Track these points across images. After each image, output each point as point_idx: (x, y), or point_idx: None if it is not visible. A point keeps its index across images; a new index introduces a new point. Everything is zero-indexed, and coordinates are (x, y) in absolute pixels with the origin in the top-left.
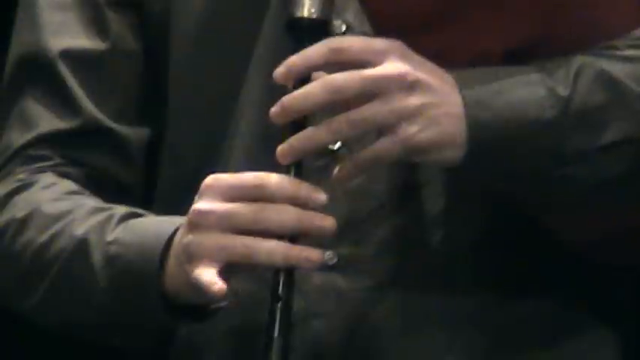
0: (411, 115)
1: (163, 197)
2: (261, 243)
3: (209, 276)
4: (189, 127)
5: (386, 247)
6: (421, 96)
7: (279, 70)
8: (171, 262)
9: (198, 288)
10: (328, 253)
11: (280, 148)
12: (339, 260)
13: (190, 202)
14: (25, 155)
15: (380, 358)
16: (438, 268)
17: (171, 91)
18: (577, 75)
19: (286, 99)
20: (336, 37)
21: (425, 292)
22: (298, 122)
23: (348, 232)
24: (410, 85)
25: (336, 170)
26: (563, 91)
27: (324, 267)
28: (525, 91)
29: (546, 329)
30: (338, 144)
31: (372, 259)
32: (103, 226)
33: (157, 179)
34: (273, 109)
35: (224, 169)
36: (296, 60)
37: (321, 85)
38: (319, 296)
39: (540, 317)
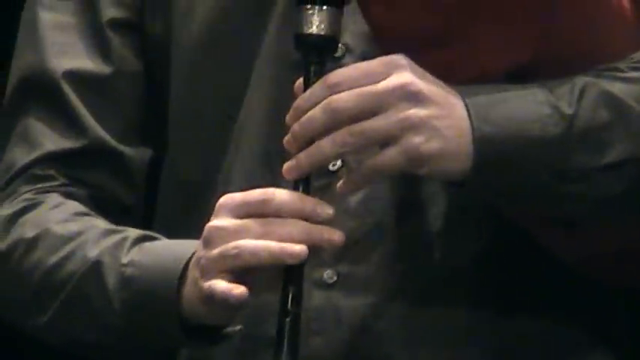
0: (414, 126)
1: (163, 219)
2: (270, 243)
3: (224, 284)
4: (190, 149)
5: (385, 266)
6: (424, 107)
7: (290, 115)
8: (188, 284)
9: (214, 299)
10: (328, 272)
11: (287, 165)
12: (338, 278)
13: (190, 223)
14: (29, 174)
15: None
16: (438, 285)
17: (171, 113)
18: (581, 94)
19: (294, 129)
20: (336, 64)
21: (424, 309)
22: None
23: (347, 250)
24: (412, 96)
25: (339, 183)
26: (567, 109)
27: (324, 285)
28: (530, 107)
29: (547, 348)
30: (338, 164)
31: (372, 278)
32: (117, 248)
33: (156, 201)
34: (287, 139)
35: (225, 191)
36: (301, 103)
37: (321, 109)
38: (319, 315)
39: (541, 335)
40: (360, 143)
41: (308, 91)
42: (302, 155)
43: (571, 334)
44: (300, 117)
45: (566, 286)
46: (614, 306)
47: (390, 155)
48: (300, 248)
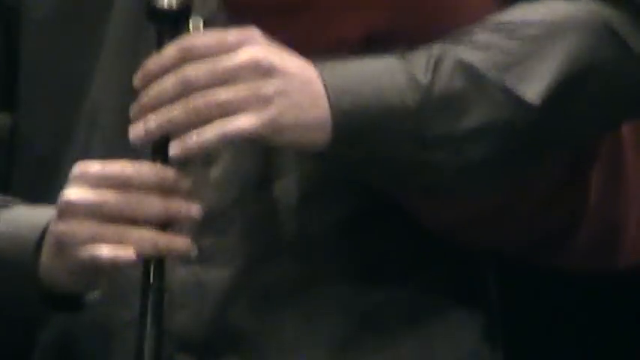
0: (267, 98)
1: (19, 184)
2: (130, 232)
3: (109, 248)
4: (42, 114)
5: (247, 237)
6: (279, 81)
7: (137, 77)
8: (46, 252)
9: (98, 265)
10: (192, 245)
11: (134, 128)
12: (200, 252)
13: (45, 189)
14: None
15: (245, 346)
16: (297, 256)
17: (24, 79)
18: (437, 63)
19: (143, 100)
20: (191, 34)
21: (287, 278)
22: None
23: (208, 223)
24: (265, 70)
25: (177, 142)
26: (423, 78)
27: (187, 259)
28: (387, 78)
29: (412, 312)
30: None
31: (234, 250)
32: None
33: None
34: (133, 109)
35: (83, 158)
36: (151, 66)
37: (172, 80)
38: (183, 288)
39: (407, 300)
40: (212, 112)
41: (160, 53)
42: (151, 118)
43: (431, 300)
44: (149, 80)
45: (430, 250)
46: (482, 273)
47: (244, 121)
48: (185, 243)
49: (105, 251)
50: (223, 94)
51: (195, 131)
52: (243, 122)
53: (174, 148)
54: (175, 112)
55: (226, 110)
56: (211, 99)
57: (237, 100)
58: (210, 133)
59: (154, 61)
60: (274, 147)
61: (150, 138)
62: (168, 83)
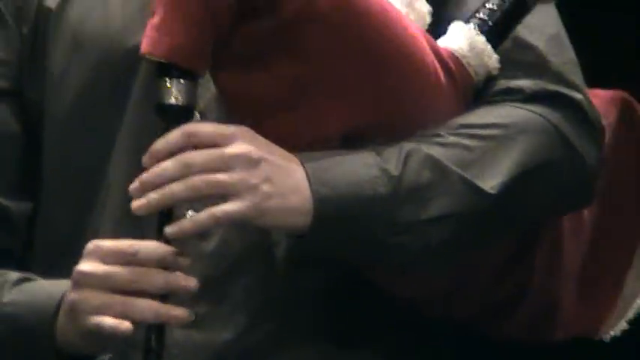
0: (254, 185)
1: (39, 262)
2: (135, 302)
3: (111, 320)
4: (61, 200)
5: (238, 305)
6: (265, 170)
7: (146, 157)
8: (61, 319)
9: (101, 333)
10: (189, 314)
11: (137, 202)
12: (197, 318)
13: (63, 267)
14: None
15: None
16: (283, 320)
17: (45, 168)
18: (407, 158)
19: (145, 176)
20: (193, 123)
21: (270, 342)
22: None
23: (204, 292)
24: (255, 162)
25: (178, 223)
26: (394, 171)
27: (184, 324)
28: (362, 170)
29: None
30: (190, 213)
31: (226, 317)
32: None
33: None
34: (133, 186)
35: (94, 238)
36: (158, 146)
37: (173, 162)
38: (179, 351)
39: None
40: (208, 191)
41: (166, 136)
42: (152, 194)
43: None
44: (156, 159)
45: (398, 317)
46: (441, 344)
47: (232, 206)
48: (183, 312)
49: (108, 322)
50: (219, 176)
51: (189, 217)
52: (232, 207)
53: (172, 229)
54: (176, 188)
55: (220, 190)
56: (209, 178)
57: (230, 183)
58: (202, 217)
59: (161, 142)
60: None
61: (152, 209)
62: (170, 164)
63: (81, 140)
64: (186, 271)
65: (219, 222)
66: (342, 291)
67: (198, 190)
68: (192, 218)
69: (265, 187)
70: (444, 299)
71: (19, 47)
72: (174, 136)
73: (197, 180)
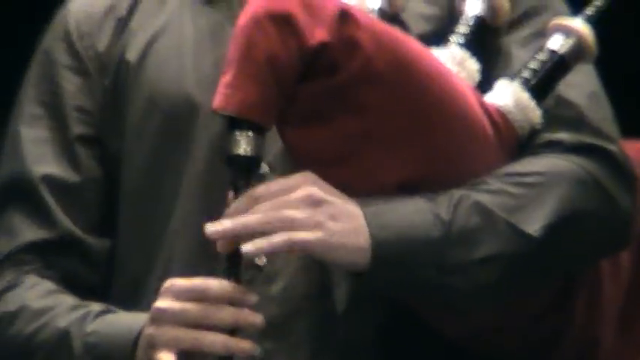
0: (322, 223)
1: (118, 295)
2: (206, 335)
3: (169, 356)
4: (133, 241)
5: (302, 344)
6: (329, 209)
7: (213, 229)
8: (139, 351)
9: None
10: (256, 347)
11: (212, 226)
12: (264, 354)
13: (137, 300)
14: (12, 260)
15: None
16: (345, 358)
17: (122, 211)
18: (457, 204)
19: (224, 227)
20: (258, 185)
21: None
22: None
23: (271, 330)
24: (319, 202)
25: (250, 244)
26: (445, 216)
27: (252, 359)
28: (417, 217)
29: None
30: (264, 260)
31: (292, 354)
32: (82, 320)
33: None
34: (211, 231)
35: (164, 277)
36: (229, 223)
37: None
38: None
39: None
40: (279, 225)
41: (234, 203)
42: (227, 221)
43: None
44: (226, 236)
45: (449, 355)
46: None
47: (306, 235)
48: (250, 346)
49: (164, 357)
50: (290, 211)
51: (265, 237)
52: (306, 235)
53: (248, 247)
54: (249, 218)
55: (289, 224)
56: (280, 213)
57: (299, 218)
58: (278, 239)
59: (231, 210)
60: (323, 265)
61: (224, 236)
62: (241, 202)
63: (152, 185)
64: (253, 309)
65: (291, 247)
66: (397, 331)
67: (269, 223)
68: (268, 238)
69: (330, 225)
70: (489, 336)
71: (101, 97)
72: (240, 202)
73: (269, 213)
